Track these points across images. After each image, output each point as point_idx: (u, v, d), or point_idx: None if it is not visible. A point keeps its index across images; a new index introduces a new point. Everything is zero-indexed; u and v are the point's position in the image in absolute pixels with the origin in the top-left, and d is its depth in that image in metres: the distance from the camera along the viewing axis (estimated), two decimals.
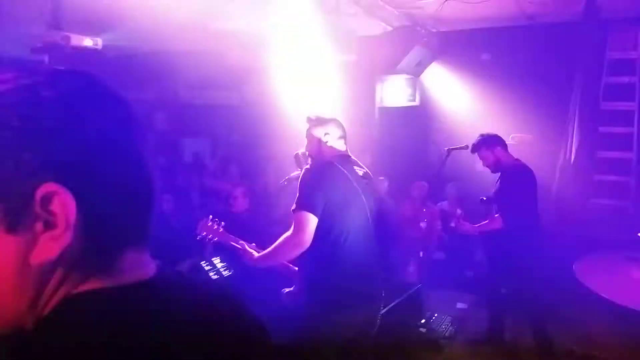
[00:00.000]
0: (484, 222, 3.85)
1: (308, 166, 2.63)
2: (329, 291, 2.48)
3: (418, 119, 6.53)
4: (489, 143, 3.90)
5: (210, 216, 2.72)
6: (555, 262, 3.49)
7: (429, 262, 5.19)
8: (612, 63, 5.46)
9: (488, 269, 4.10)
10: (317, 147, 2.67)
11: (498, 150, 3.87)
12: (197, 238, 2.66)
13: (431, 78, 6.29)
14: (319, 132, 2.66)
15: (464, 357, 3.77)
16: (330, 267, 2.48)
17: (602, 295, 2.16)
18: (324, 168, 2.56)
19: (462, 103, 6.05)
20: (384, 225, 4.25)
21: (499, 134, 3.98)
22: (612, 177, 5.41)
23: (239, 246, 2.64)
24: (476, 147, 3.96)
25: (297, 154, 2.78)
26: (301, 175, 2.54)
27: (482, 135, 4.00)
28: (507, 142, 4.00)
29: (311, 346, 2.52)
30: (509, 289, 3.88)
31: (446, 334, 4.04)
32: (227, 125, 7.26)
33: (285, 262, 2.72)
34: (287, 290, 2.73)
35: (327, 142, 2.64)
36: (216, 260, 2.97)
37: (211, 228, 2.66)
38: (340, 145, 2.70)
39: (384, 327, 3.43)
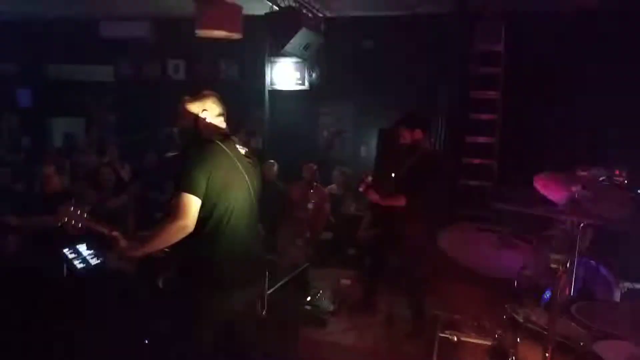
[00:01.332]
0: (389, 197, 3.85)
1: (185, 146, 2.50)
2: (210, 273, 2.41)
3: (307, 103, 6.61)
4: (414, 122, 3.91)
5: (73, 200, 2.45)
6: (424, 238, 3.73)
7: (316, 242, 5.31)
8: (479, 54, 5.97)
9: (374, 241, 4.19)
10: (193, 125, 2.54)
11: (418, 132, 3.90)
12: (59, 225, 2.40)
13: (319, 62, 6.37)
14: (195, 109, 2.54)
15: (346, 330, 3.93)
16: (212, 248, 2.40)
17: (461, 262, 2.37)
18: (204, 147, 2.46)
19: (348, 88, 6.23)
20: (270, 207, 4.27)
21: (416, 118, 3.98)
22: (478, 160, 5.97)
23: (109, 234, 2.42)
24: (403, 120, 3.94)
25: (172, 132, 2.63)
26: (183, 154, 2.41)
27: (412, 113, 4.03)
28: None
29: (194, 329, 2.45)
30: (374, 260, 4.10)
31: (330, 310, 4.17)
32: (102, 104, 6.72)
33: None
34: (162, 276, 2.60)
35: (205, 118, 2.53)
36: (82, 248, 2.72)
37: (74, 213, 2.41)
38: (219, 123, 2.60)
39: (271, 306, 3.47)
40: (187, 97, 2.59)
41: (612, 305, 2.48)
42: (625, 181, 3.35)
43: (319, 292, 4.35)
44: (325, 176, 5.92)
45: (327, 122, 6.43)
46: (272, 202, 4.81)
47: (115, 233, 2.38)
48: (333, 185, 5.95)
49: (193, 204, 2.27)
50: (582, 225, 2.78)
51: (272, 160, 5.78)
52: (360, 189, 3.93)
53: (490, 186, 5.84)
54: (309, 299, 4.26)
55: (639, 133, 4.87)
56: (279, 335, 3.33)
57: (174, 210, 2.27)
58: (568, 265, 1.75)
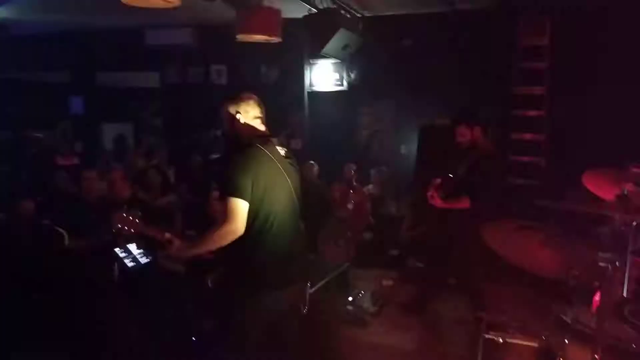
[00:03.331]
0: (453, 200, 3.72)
1: (229, 149, 2.56)
2: (256, 273, 2.45)
3: (346, 103, 6.62)
4: (472, 119, 3.79)
5: (125, 206, 2.56)
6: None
7: (357, 242, 5.31)
8: (523, 49, 5.80)
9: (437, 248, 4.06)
10: (231, 126, 2.60)
11: (478, 129, 3.79)
12: (113, 231, 2.51)
13: (358, 63, 6.37)
14: (232, 110, 2.59)
15: (389, 331, 3.90)
16: (257, 249, 2.43)
17: (505, 257, 2.29)
18: (247, 151, 2.51)
19: (387, 87, 6.19)
20: (312, 207, 4.29)
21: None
22: (525, 158, 5.78)
23: (162, 237, 2.51)
24: (461, 118, 3.83)
25: (215, 136, 2.70)
26: (228, 159, 2.47)
27: (466, 109, 3.91)
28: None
29: (240, 328, 2.51)
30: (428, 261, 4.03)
31: (371, 310, 4.16)
32: (149, 109, 6.97)
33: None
34: (212, 274, 2.67)
35: (240, 120, 2.58)
36: (132, 247, 2.84)
37: (127, 220, 2.52)
38: (257, 125, 2.64)
39: (312, 306, 3.49)
40: (225, 100, 2.65)
41: None
42: None
43: (360, 293, 4.35)
44: (365, 176, 5.91)
45: (366, 122, 6.42)
46: (313, 202, 4.85)
47: (168, 235, 2.46)
48: (370, 185, 5.94)
49: (241, 208, 2.32)
50: (634, 223, 2.65)
51: (312, 161, 5.83)
52: (429, 194, 3.77)
53: (538, 184, 5.65)
54: (350, 299, 4.26)
55: None
56: (320, 335, 3.34)
57: (223, 215, 2.33)
58: (618, 264, 1.68)
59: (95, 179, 4.21)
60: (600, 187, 2.45)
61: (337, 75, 6.56)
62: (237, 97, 2.63)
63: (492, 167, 3.68)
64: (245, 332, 2.48)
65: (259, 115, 2.64)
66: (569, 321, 1.93)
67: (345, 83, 6.57)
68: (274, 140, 2.68)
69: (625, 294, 2.56)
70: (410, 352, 3.57)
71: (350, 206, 4.65)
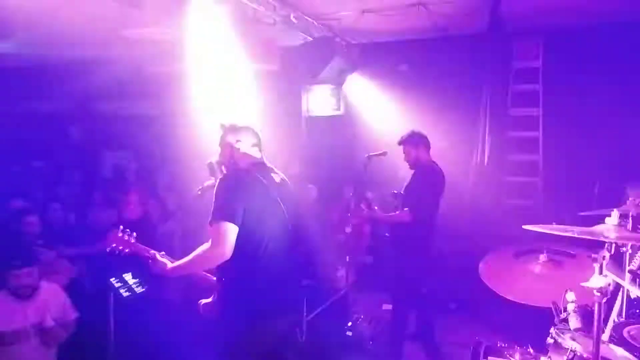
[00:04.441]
0: (393, 213, 4.03)
1: (222, 176, 2.59)
2: (249, 300, 2.45)
3: (343, 128, 6.68)
4: (415, 141, 4.09)
5: (121, 227, 2.59)
6: (469, 259, 3.66)
7: (357, 266, 5.28)
8: (517, 72, 5.88)
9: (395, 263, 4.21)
10: (229, 155, 2.64)
11: (421, 149, 4.07)
12: (107, 250, 2.54)
13: (354, 88, 6.46)
14: (231, 139, 2.64)
15: (388, 357, 3.86)
16: (250, 276, 2.44)
17: (504, 295, 2.31)
18: (240, 176, 2.54)
19: (383, 112, 6.26)
20: (308, 232, 4.31)
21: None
22: (521, 179, 5.81)
23: (149, 255, 2.54)
24: (403, 140, 4.13)
25: (210, 163, 2.73)
26: (217, 184, 2.49)
27: (412, 131, 4.17)
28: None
29: (235, 356, 2.48)
30: (428, 287, 4.03)
31: (371, 336, 4.12)
32: (148, 136, 7.02)
33: (203, 273, 2.66)
34: (204, 301, 2.67)
35: (239, 149, 2.62)
36: (127, 277, 2.85)
37: (121, 239, 2.54)
38: (254, 153, 2.68)
39: (311, 331, 3.47)
40: (223, 129, 2.70)
41: None
42: None
43: (360, 317, 4.31)
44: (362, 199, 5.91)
45: (363, 145, 6.46)
46: (311, 226, 4.84)
47: (152, 252, 2.51)
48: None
49: (230, 232, 2.33)
50: (631, 245, 2.65)
51: (311, 185, 5.85)
52: (362, 207, 4.26)
53: (534, 204, 5.66)
54: (349, 324, 4.22)
55: None
56: None
57: (212, 239, 2.34)
58: (611, 287, 1.68)
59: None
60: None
61: (334, 100, 6.64)
62: (236, 126, 2.68)
63: (428, 179, 3.96)
64: (244, 357, 2.46)
65: (256, 142, 2.69)
66: (566, 345, 1.91)
67: (342, 108, 6.65)
68: (270, 166, 2.72)
69: (624, 317, 2.55)
70: None
71: (348, 230, 4.64)
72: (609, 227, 1.80)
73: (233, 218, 2.34)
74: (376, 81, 6.33)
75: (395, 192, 4.16)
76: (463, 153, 5.77)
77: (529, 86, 5.84)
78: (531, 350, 2.25)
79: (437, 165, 4.10)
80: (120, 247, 2.53)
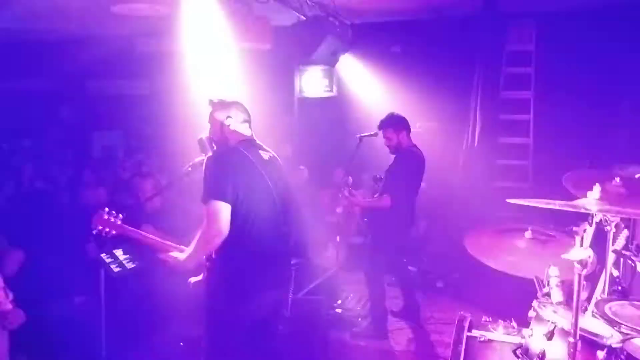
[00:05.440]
0: (374, 198, 4.03)
1: (211, 153, 2.59)
2: (236, 276, 2.46)
3: (335, 109, 6.67)
4: (396, 125, 4.03)
5: (107, 208, 2.58)
6: (457, 239, 3.71)
7: (347, 246, 5.32)
8: (510, 54, 5.88)
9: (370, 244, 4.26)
10: (219, 131, 2.64)
11: (403, 134, 4.02)
12: (93, 232, 2.53)
13: (346, 69, 6.43)
14: (221, 116, 2.63)
15: (374, 334, 3.92)
16: (237, 252, 2.45)
17: (490, 264, 2.34)
18: (229, 153, 2.54)
19: (375, 93, 6.24)
20: (299, 211, 4.32)
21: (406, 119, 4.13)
22: (511, 161, 5.84)
23: (140, 237, 2.53)
24: (384, 125, 4.07)
25: (200, 139, 2.72)
26: (206, 163, 2.50)
27: (392, 114, 4.11)
28: (413, 129, 4.20)
29: (221, 331, 2.51)
30: (417, 267, 4.08)
31: (360, 314, 4.17)
32: (139, 117, 6.97)
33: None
34: (194, 279, 2.69)
35: (229, 125, 2.62)
36: (118, 252, 2.85)
37: (108, 221, 2.54)
38: (244, 130, 2.68)
39: (300, 309, 3.51)
40: (213, 106, 2.69)
41: None
42: None
43: (349, 296, 4.37)
44: (356, 181, 5.93)
45: (355, 127, 6.46)
46: (302, 207, 4.86)
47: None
48: (361, 190, 5.95)
49: (224, 210, 2.34)
50: (615, 222, 2.69)
51: (302, 167, 5.85)
52: (345, 192, 4.17)
53: (525, 187, 5.71)
54: (338, 302, 4.27)
55: None
56: (306, 339, 3.35)
57: (206, 219, 2.35)
58: (592, 261, 1.71)
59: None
60: (582, 187, 2.49)
61: (326, 82, 6.61)
62: (225, 102, 2.67)
63: (409, 164, 3.95)
64: (226, 335, 2.49)
65: (246, 119, 2.69)
66: (548, 317, 1.95)
67: (334, 89, 6.62)
68: (259, 143, 2.72)
69: (607, 292, 2.60)
70: (397, 354, 3.59)
71: (339, 210, 4.66)
72: (591, 200, 1.82)
73: (224, 196, 2.35)
74: (369, 62, 6.30)
75: (377, 176, 4.16)
76: (454, 134, 5.80)
77: (522, 69, 5.85)
78: (514, 324, 2.29)
79: (418, 149, 4.08)
80: (107, 229, 2.53)
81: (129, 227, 2.59)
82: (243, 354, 2.53)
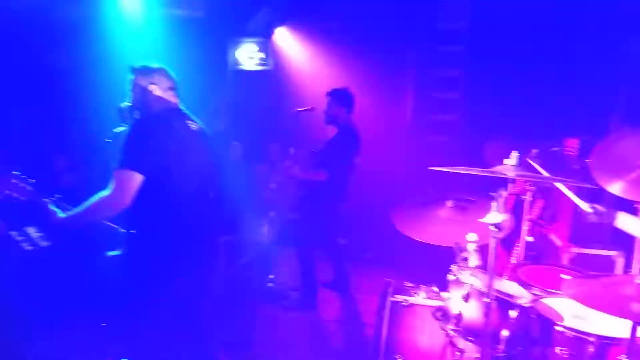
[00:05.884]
0: (310, 172, 4.07)
1: (134, 121, 2.45)
2: (160, 253, 2.36)
3: (272, 83, 6.55)
4: (341, 99, 4.06)
5: (14, 172, 2.36)
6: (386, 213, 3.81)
7: (281, 222, 5.31)
8: (443, 33, 6.00)
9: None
10: (142, 99, 2.49)
11: (343, 110, 4.05)
12: None
13: (283, 43, 6.32)
14: (143, 82, 2.48)
15: (304, 305, 3.97)
16: (161, 228, 2.35)
17: (415, 237, 2.41)
18: (152, 123, 2.40)
19: (312, 68, 6.20)
20: (232, 187, 4.24)
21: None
22: (443, 138, 6.04)
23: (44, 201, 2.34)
24: (330, 93, 4.10)
25: (120, 108, 2.57)
26: (127, 130, 2.36)
27: (344, 89, 4.14)
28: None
29: (151, 310, 2.42)
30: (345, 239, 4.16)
31: (292, 287, 4.21)
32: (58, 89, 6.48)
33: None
34: (111, 253, 2.55)
35: (153, 92, 2.47)
36: (31, 230, 2.64)
37: (15, 185, 2.32)
38: (170, 97, 2.54)
39: (232, 284, 3.48)
40: (135, 72, 2.53)
41: (557, 268, 2.57)
42: (577, 151, 3.46)
43: (281, 270, 4.39)
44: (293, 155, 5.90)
45: (292, 101, 6.40)
46: (236, 182, 4.78)
47: (46, 200, 2.32)
48: (298, 165, 5.94)
49: (134, 181, 2.21)
50: (530, 192, 2.87)
51: (236, 142, 5.73)
52: (284, 164, 4.17)
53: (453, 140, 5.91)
54: (271, 277, 4.29)
55: (600, 103, 4.90)
56: (238, 312, 3.34)
57: (113, 186, 2.22)
58: (507, 225, 1.80)
59: None
60: (500, 157, 2.61)
61: (262, 55, 6.46)
62: (148, 68, 2.52)
63: (341, 141, 3.99)
64: (151, 313, 2.40)
65: (172, 86, 2.56)
66: (465, 280, 2.05)
67: (270, 62, 6.49)
68: (187, 113, 2.60)
69: (522, 258, 2.78)
70: (327, 323, 3.67)
71: (273, 186, 4.63)
72: (508, 167, 1.91)
73: (139, 166, 2.22)
74: (306, 36, 6.22)
75: (314, 150, 4.18)
76: (390, 111, 5.90)
77: (453, 47, 6.00)
78: (435, 288, 2.39)
79: (354, 126, 4.11)
80: (15, 194, 2.31)
81: (42, 196, 2.38)
82: (170, 332, 2.45)
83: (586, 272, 2.37)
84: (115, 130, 2.60)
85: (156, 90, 2.47)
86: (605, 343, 1.79)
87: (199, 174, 2.48)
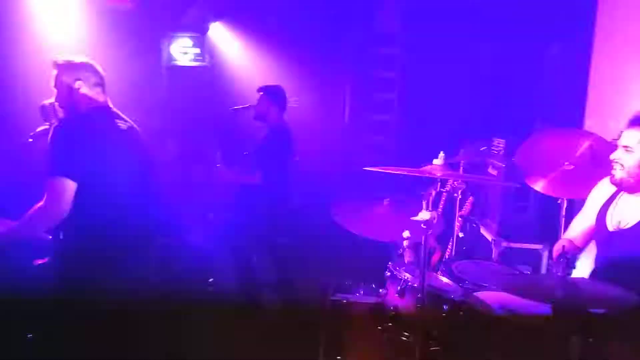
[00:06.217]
0: (243, 175, 3.99)
1: (57, 122, 2.33)
2: (90, 261, 2.27)
3: (209, 80, 6.40)
4: (273, 97, 3.96)
5: None
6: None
7: (221, 223, 5.21)
8: (379, 36, 6.15)
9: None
10: (67, 97, 2.36)
11: (274, 108, 3.96)
12: None
13: (220, 39, 6.20)
14: (68, 78, 2.34)
15: (248, 307, 3.94)
16: (90, 234, 2.27)
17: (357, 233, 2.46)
18: (80, 123, 2.29)
19: (249, 65, 6.14)
20: (166, 188, 4.12)
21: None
22: (379, 138, 6.19)
23: None
24: (262, 89, 4.00)
25: (43, 105, 2.42)
26: (52, 132, 2.22)
27: (277, 86, 4.05)
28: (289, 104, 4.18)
29: (75, 319, 2.30)
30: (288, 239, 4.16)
31: (233, 289, 4.15)
32: None
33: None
34: (40, 261, 2.41)
35: (79, 89, 2.35)
36: None
37: None
38: (97, 95, 2.42)
39: (170, 289, 3.37)
40: (57, 65, 2.39)
41: (487, 262, 2.71)
42: (502, 150, 3.67)
43: (222, 273, 4.31)
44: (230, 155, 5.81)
45: (229, 99, 6.30)
46: (171, 183, 4.65)
47: None
48: (236, 166, 5.86)
49: (67, 189, 2.12)
50: (461, 190, 3.00)
51: (170, 140, 5.56)
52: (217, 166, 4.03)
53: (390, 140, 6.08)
54: (211, 280, 4.21)
55: (525, 105, 5.18)
56: (178, 319, 3.25)
57: (47, 196, 2.11)
58: (437, 222, 1.87)
59: None
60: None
61: (197, 50, 6.30)
62: (73, 63, 2.38)
63: (276, 140, 3.91)
64: (80, 324, 2.29)
65: (99, 82, 2.43)
66: (400, 276, 2.11)
67: (207, 58, 6.35)
68: (117, 111, 2.49)
69: (453, 253, 2.90)
70: (268, 325, 3.65)
71: (212, 185, 4.52)
72: (436, 166, 1.99)
73: (71, 172, 2.13)
74: (243, 33, 6.15)
75: (246, 152, 4.11)
76: (328, 111, 5.96)
77: (389, 50, 6.16)
78: (373, 285, 2.44)
79: (286, 125, 4.06)
80: None
81: None
82: (102, 337, 2.35)
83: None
84: (37, 129, 2.44)
85: (82, 87, 2.35)
86: (533, 329, 1.89)
87: (130, 175, 2.40)
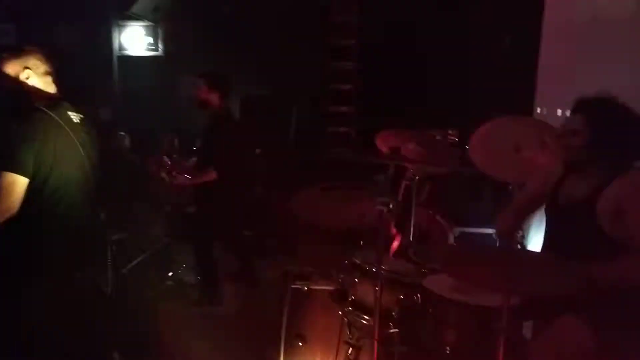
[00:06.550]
0: (198, 174, 3.82)
1: (6, 114, 2.23)
2: (40, 257, 2.22)
3: (163, 70, 6.26)
4: (213, 83, 3.78)
5: None
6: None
7: (180, 216, 5.11)
8: (334, 26, 6.15)
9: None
10: (14, 87, 2.26)
11: (215, 96, 3.77)
12: None
13: (173, 27, 6.06)
14: (15, 68, 2.24)
15: (209, 300, 3.90)
16: (41, 230, 2.20)
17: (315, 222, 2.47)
18: (30, 116, 2.19)
19: (205, 54, 6.03)
20: (119, 182, 3.99)
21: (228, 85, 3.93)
22: (339, 129, 6.22)
23: None
24: (202, 75, 3.81)
25: None
26: (2, 127, 2.14)
27: (218, 73, 3.92)
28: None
29: (32, 319, 2.23)
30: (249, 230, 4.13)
31: (192, 283, 4.10)
32: None
33: None
34: None
35: (27, 79, 2.25)
36: None
37: None
38: (47, 85, 2.33)
39: (126, 285, 3.29)
40: (4, 55, 2.28)
41: (443, 246, 2.80)
42: (457, 139, 3.78)
43: (182, 266, 4.25)
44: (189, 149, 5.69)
45: (185, 90, 6.16)
46: (124, 177, 4.51)
47: None
48: (194, 158, 5.75)
49: (18, 185, 2.06)
50: (418, 177, 3.08)
51: (122, 133, 5.38)
52: (164, 176, 3.92)
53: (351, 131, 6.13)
54: (170, 274, 4.14)
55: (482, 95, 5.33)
56: (135, 313, 3.18)
57: None
58: (387, 210, 1.91)
59: None
60: (388, 145, 2.77)
61: (150, 39, 6.13)
62: (22, 51, 2.27)
63: (226, 133, 3.75)
64: (36, 323, 2.22)
65: (48, 71, 2.34)
66: (359, 262, 2.15)
67: (160, 48, 6.18)
68: (67, 104, 2.40)
69: (411, 239, 2.97)
70: (231, 317, 3.63)
71: (164, 176, 4.39)
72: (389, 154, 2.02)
73: (22, 168, 2.07)
74: (197, 22, 6.02)
75: (195, 148, 3.98)
76: (287, 100, 5.95)
77: (346, 41, 6.18)
78: (333, 272, 2.48)
79: (229, 112, 3.95)
80: None
81: None
82: (59, 339, 2.28)
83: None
84: None
85: (31, 76, 2.25)
86: (484, 312, 1.97)
87: (83, 170, 2.33)
